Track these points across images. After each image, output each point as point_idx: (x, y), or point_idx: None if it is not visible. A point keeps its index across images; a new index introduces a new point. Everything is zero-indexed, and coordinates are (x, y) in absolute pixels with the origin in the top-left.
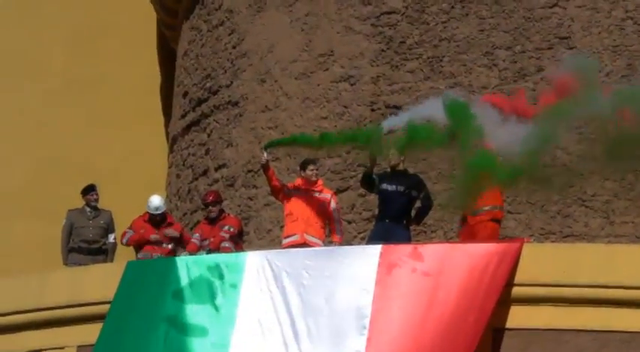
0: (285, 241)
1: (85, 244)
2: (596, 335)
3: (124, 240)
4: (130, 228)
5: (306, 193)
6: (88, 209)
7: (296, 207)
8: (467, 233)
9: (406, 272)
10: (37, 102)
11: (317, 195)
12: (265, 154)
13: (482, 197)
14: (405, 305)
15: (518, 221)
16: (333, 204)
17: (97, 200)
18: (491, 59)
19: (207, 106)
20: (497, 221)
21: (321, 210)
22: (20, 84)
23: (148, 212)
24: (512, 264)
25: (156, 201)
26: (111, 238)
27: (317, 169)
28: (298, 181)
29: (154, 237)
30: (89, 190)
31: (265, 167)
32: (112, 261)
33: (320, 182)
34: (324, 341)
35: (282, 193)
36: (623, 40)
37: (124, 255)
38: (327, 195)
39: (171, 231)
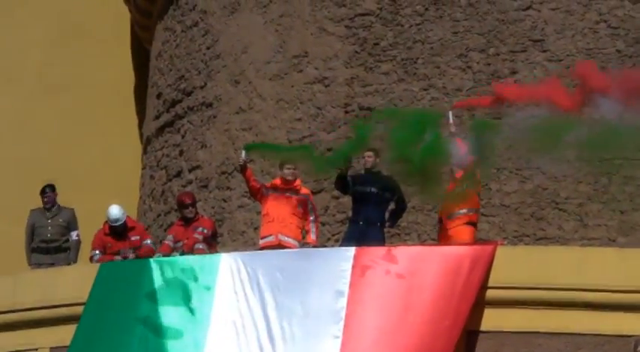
0: (261, 242)
1: (44, 244)
2: (569, 337)
3: (94, 262)
4: (94, 248)
5: (282, 192)
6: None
7: (272, 207)
8: (443, 237)
9: (380, 274)
10: (12, 103)
11: (294, 195)
12: (244, 155)
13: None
14: (379, 308)
15: (491, 224)
16: (310, 204)
17: (48, 201)
18: (465, 61)
19: (181, 107)
20: (474, 224)
21: (298, 210)
22: None
23: (107, 223)
24: (486, 267)
25: (114, 212)
26: (73, 235)
27: (294, 169)
28: (276, 181)
29: (122, 251)
30: (43, 192)
31: (243, 168)
32: (75, 258)
33: (298, 181)
34: (298, 343)
35: (259, 193)
36: (597, 43)
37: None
38: (304, 194)
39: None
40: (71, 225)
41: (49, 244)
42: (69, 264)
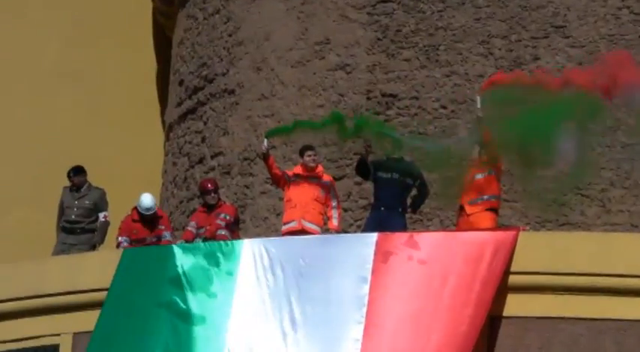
0: (283, 227)
1: (68, 224)
2: (591, 323)
3: (121, 249)
4: (121, 234)
5: (305, 180)
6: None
7: (295, 193)
8: (464, 222)
9: (402, 260)
10: (32, 92)
11: (317, 181)
12: (265, 143)
13: (480, 186)
14: (401, 294)
15: (514, 209)
16: (332, 191)
17: (75, 184)
18: (487, 48)
19: (203, 94)
20: (495, 210)
21: (320, 196)
22: (15, 73)
23: (137, 210)
24: (508, 253)
25: (147, 201)
26: (101, 217)
27: (315, 155)
28: (298, 168)
29: (148, 239)
30: (70, 174)
31: (265, 156)
32: (102, 240)
33: (320, 168)
34: (321, 329)
35: (282, 180)
36: (619, 29)
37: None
38: (326, 181)
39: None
40: (99, 205)
41: (73, 225)
42: (93, 245)
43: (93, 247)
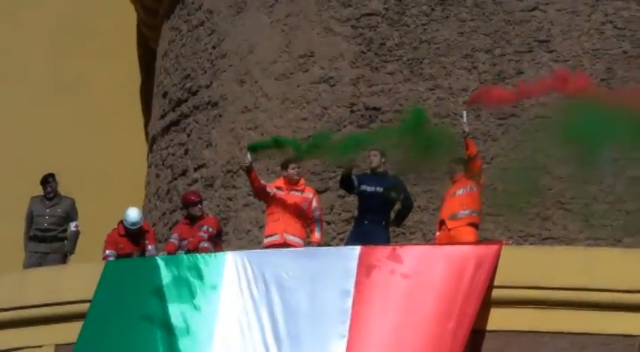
0: (265, 240)
1: (40, 232)
2: (574, 337)
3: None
4: (107, 248)
5: (288, 193)
6: (46, 198)
7: (277, 206)
8: (445, 237)
9: (385, 273)
10: (18, 102)
11: (299, 194)
12: (248, 156)
13: (461, 201)
14: (385, 308)
15: (496, 223)
16: (314, 204)
17: (51, 192)
18: (471, 62)
19: (186, 107)
20: (476, 225)
21: (303, 209)
22: (2, 85)
23: (123, 224)
24: (491, 267)
25: (134, 216)
26: (72, 226)
27: (298, 168)
28: (280, 181)
29: (134, 254)
30: (44, 181)
31: (248, 169)
32: (73, 249)
33: (302, 181)
34: (304, 342)
35: (265, 193)
36: (603, 43)
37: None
38: (309, 194)
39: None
40: (70, 215)
41: (45, 233)
42: (65, 254)
43: (64, 256)
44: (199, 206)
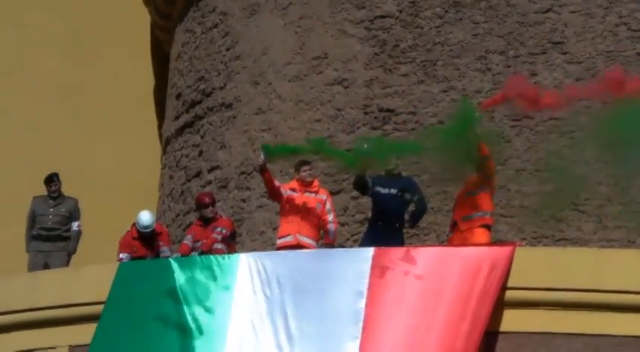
0: (279, 241)
1: (44, 231)
2: (588, 339)
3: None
4: (122, 251)
5: (301, 194)
6: (49, 198)
7: (291, 207)
8: (458, 238)
9: (399, 275)
10: (29, 105)
11: (313, 195)
12: (262, 156)
13: (474, 202)
14: (398, 309)
15: (510, 225)
16: (328, 205)
17: (55, 191)
18: (484, 63)
19: (200, 108)
20: (488, 227)
21: (317, 210)
22: (12, 87)
23: (135, 227)
24: (505, 269)
25: (145, 219)
26: (74, 226)
27: (311, 170)
28: (294, 183)
29: (148, 257)
30: (49, 180)
31: (262, 169)
32: (75, 249)
33: (316, 183)
34: (317, 344)
35: (278, 194)
36: (617, 45)
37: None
38: (322, 195)
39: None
40: (73, 214)
41: (50, 232)
42: (68, 253)
43: (68, 255)
44: (211, 208)
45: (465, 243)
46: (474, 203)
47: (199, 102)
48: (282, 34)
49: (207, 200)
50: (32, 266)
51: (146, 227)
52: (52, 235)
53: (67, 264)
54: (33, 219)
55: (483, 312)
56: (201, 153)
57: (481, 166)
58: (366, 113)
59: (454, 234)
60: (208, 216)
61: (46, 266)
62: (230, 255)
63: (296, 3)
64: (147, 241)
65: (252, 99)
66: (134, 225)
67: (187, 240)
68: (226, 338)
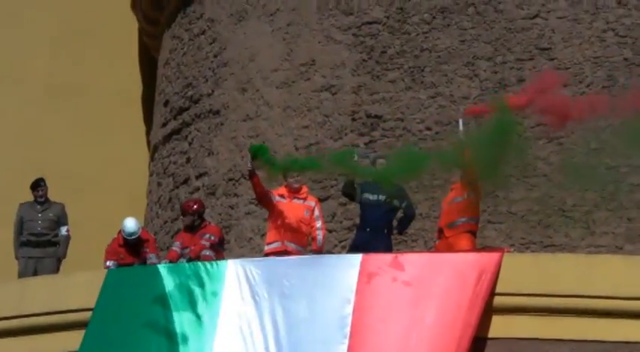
0: (266, 248)
1: (34, 237)
2: (576, 345)
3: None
4: (108, 258)
5: (290, 200)
6: (37, 203)
7: (279, 214)
8: (444, 245)
9: (387, 281)
10: (18, 109)
11: (301, 202)
12: (250, 161)
13: (459, 208)
14: (386, 316)
15: (498, 231)
16: (316, 212)
17: (42, 195)
18: (472, 70)
19: (188, 115)
20: (473, 233)
21: (305, 217)
22: (1, 89)
23: (122, 235)
24: (493, 275)
25: (130, 226)
26: (63, 231)
27: (297, 176)
28: (282, 189)
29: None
30: (35, 186)
31: (251, 174)
32: (64, 254)
33: (304, 189)
34: (305, 350)
35: (267, 200)
36: (604, 51)
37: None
38: (311, 202)
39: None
40: (61, 219)
41: (39, 238)
42: (58, 258)
43: (58, 261)
44: (193, 217)
45: (449, 250)
46: (459, 210)
47: (187, 109)
48: (269, 41)
49: (189, 207)
50: (23, 273)
51: (131, 234)
52: (42, 241)
53: (57, 270)
54: (21, 225)
55: (472, 318)
56: (189, 159)
57: (465, 173)
58: (353, 119)
59: (440, 241)
60: (187, 224)
61: (36, 273)
62: (218, 262)
63: (283, 9)
64: (133, 248)
65: (240, 106)
66: (120, 232)
67: (176, 247)
68: (214, 344)
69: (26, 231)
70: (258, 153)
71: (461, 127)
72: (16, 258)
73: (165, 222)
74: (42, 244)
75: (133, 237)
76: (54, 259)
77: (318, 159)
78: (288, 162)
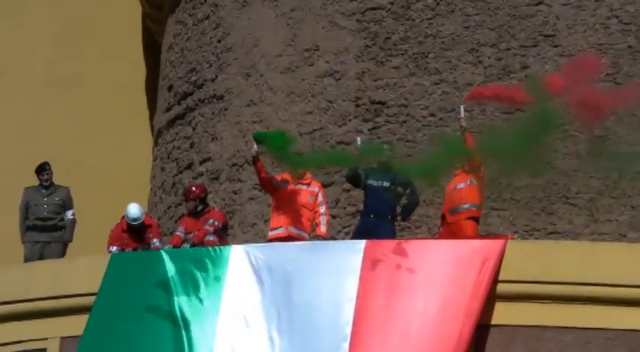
0: (270, 233)
1: (40, 222)
2: (579, 332)
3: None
4: (112, 243)
5: (293, 186)
6: (42, 187)
7: (283, 199)
8: (446, 231)
9: (390, 268)
10: (22, 96)
11: (305, 187)
12: (255, 146)
13: (461, 195)
14: (389, 302)
15: (502, 218)
16: (320, 197)
17: (47, 179)
18: (476, 56)
19: (192, 100)
20: (476, 219)
21: (309, 202)
22: (4, 77)
23: (125, 220)
24: (496, 262)
25: (134, 211)
26: (69, 214)
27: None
28: (286, 174)
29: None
30: (40, 170)
31: (255, 159)
32: (71, 238)
33: (308, 175)
34: (308, 335)
35: (270, 185)
36: (608, 38)
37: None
38: (314, 187)
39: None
40: (67, 203)
41: (45, 222)
42: (65, 242)
43: (65, 245)
44: (195, 202)
45: (452, 236)
46: (462, 195)
47: (191, 94)
48: (273, 26)
49: (191, 192)
50: (28, 258)
51: (135, 219)
52: (48, 225)
53: (63, 254)
54: (26, 209)
55: (475, 305)
56: (192, 145)
57: (468, 159)
58: (357, 105)
59: (443, 228)
60: (190, 209)
61: (42, 258)
62: (221, 247)
63: None
64: (136, 234)
65: (244, 91)
66: (124, 217)
67: (179, 232)
68: (217, 328)
69: (32, 215)
70: (277, 143)
71: (462, 114)
72: (23, 242)
73: (169, 207)
74: (48, 228)
75: (137, 223)
76: (60, 243)
77: (347, 153)
78: (313, 159)
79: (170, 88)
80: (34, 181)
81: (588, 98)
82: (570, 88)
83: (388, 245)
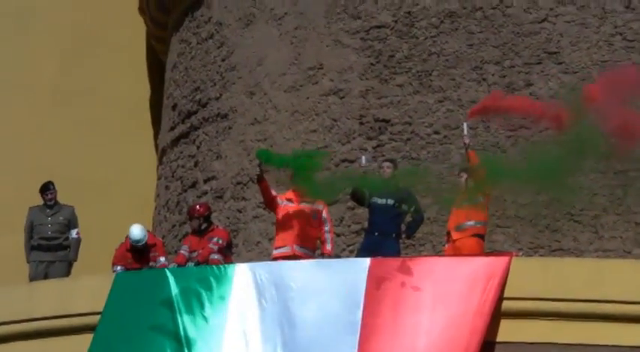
0: (275, 252)
1: (44, 241)
2: (584, 349)
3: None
4: (116, 263)
5: (298, 204)
6: (46, 207)
7: (287, 218)
8: (451, 248)
9: (395, 286)
10: (27, 113)
11: (309, 205)
12: (259, 166)
13: (468, 213)
14: (394, 320)
15: (507, 235)
16: (324, 215)
17: (52, 199)
18: (480, 74)
19: (196, 119)
20: (481, 236)
21: (313, 221)
22: (9, 96)
23: (129, 241)
24: (501, 279)
25: (136, 233)
26: (73, 233)
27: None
28: (290, 193)
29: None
30: (44, 189)
31: (260, 178)
32: (76, 257)
33: None
34: None
35: (275, 204)
36: (612, 55)
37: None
38: (319, 205)
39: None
40: (71, 222)
41: (50, 242)
42: (69, 261)
43: (69, 264)
44: (199, 220)
45: (457, 253)
46: (467, 212)
47: (195, 113)
48: (277, 45)
49: (194, 210)
50: (33, 277)
51: (137, 241)
52: (53, 245)
53: (68, 273)
54: (31, 229)
55: (481, 323)
56: (197, 163)
57: (472, 175)
58: (361, 123)
59: (448, 245)
60: (194, 227)
61: (47, 277)
62: (226, 265)
63: (291, 13)
64: (140, 254)
65: (248, 110)
66: (128, 237)
67: (184, 250)
68: (222, 347)
69: (37, 234)
70: (265, 160)
71: (465, 131)
72: (28, 262)
73: (174, 226)
74: (53, 248)
75: (140, 244)
76: (65, 263)
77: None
78: (285, 160)
79: (174, 107)
80: (38, 199)
81: (627, 121)
82: (608, 102)
83: (393, 263)
